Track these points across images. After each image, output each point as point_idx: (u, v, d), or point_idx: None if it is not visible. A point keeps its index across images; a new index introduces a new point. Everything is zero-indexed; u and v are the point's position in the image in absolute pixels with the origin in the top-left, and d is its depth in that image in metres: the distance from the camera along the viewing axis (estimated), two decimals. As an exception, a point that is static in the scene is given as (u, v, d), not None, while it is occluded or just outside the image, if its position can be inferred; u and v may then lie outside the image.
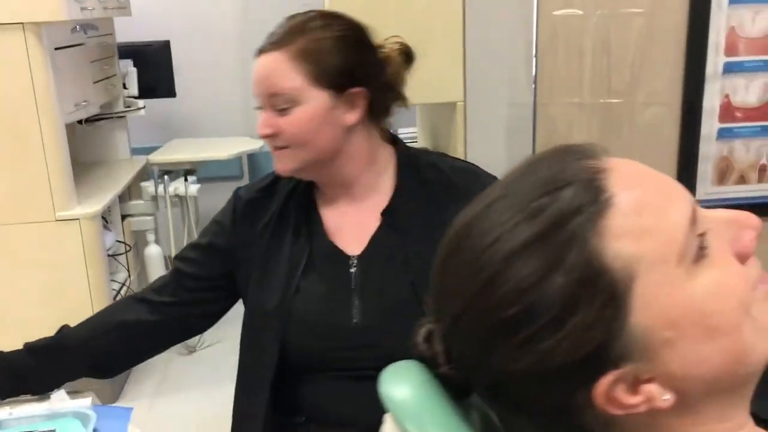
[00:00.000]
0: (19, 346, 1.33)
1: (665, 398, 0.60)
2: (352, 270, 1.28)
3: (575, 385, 0.60)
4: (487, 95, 1.75)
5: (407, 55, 1.29)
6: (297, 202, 1.32)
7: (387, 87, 1.28)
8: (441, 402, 0.66)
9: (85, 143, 3.51)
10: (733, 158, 1.71)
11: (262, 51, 1.23)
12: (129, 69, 3.52)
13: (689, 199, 0.62)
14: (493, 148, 1.70)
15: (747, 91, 1.66)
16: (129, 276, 3.24)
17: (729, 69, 1.66)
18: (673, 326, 0.58)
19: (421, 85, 1.43)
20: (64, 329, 1.36)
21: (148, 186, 3.28)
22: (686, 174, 1.68)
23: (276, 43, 1.22)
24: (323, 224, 1.31)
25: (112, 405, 1.37)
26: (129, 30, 3.59)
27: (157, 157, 3.48)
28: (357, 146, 1.27)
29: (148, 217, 3.30)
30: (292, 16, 1.26)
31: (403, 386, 0.66)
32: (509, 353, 0.60)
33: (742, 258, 0.62)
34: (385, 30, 1.28)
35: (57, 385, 1.36)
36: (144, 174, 3.44)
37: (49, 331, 1.35)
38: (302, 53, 1.20)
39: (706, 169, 1.69)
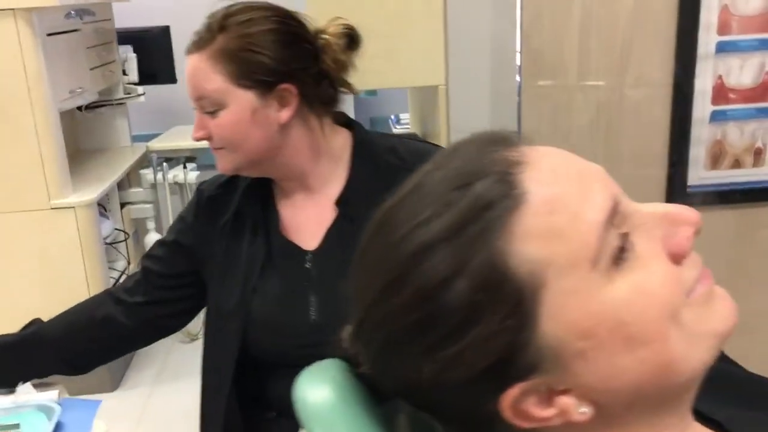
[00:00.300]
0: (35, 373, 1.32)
1: (582, 411, 0.55)
2: (308, 266, 1.24)
3: (481, 397, 0.55)
4: (470, 78, 1.69)
5: (351, 39, 1.22)
6: (255, 198, 1.28)
7: (323, 77, 1.21)
8: (359, 406, 0.62)
9: (85, 130, 3.51)
10: (726, 142, 1.64)
11: (187, 52, 1.18)
12: (129, 55, 3.50)
13: (611, 194, 0.55)
14: (477, 130, 1.65)
15: (741, 72, 1.59)
16: (128, 264, 3.23)
17: (722, 49, 1.59)
18: (587, 336, 0.53)
19: (402, 69, 1.38)
20: (36, 323, 1.34)
21: (148, 173, 3.26)
22: (677, 159, 1.62)
23: (197, 43, 1.17)
24: (281, 220, 1.27)
25: (80, 398, 1.35)
26: (128, 15, 3.56)
27: (156, 145, 3.47)
28: (297, 141, 1.21)
29: (148, 205, 3.29)
30: (214, 13, 1.19)
31: (319, 388, 0.62)
32: (412, 360, 0.55)
33: (677, 257, 0.56)
34: (364, 13, 1.24)
35: (25, 381, 1.34)
36: (144, 161, 3.42)
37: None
38: (222, 53, 1.15)
39: (698, 153, 1.63)
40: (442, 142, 1.71)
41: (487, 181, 0.54)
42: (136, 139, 3.60)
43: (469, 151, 0.58)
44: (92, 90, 3.08)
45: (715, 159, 1.64)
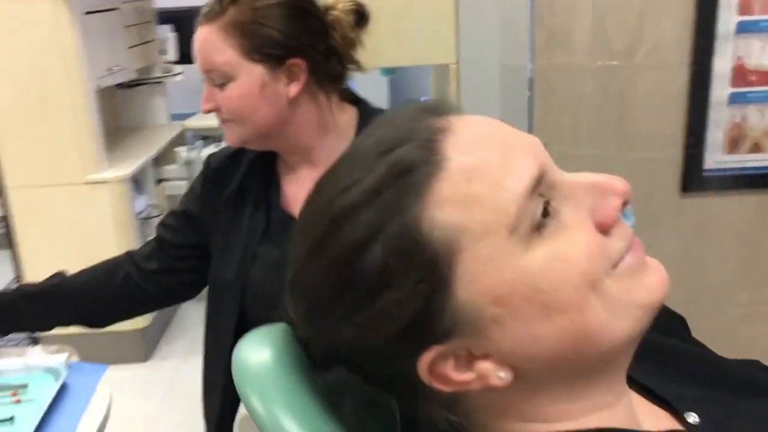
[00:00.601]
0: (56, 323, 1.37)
1: (500, 376, 0.55)
2: None
3: (400, 359, 0.56)
4: (481, 57, 1.67)
5: (360, 16, 1.22)
6: (259, 172, 1.30)
7: (332, 53, 1.22)
8: (298, 373, 0.63)
9: (124, 108, 3.59)
10: (746, 125, 1.59)
11: (197, 24, 1.19)
12: (168, 34, 3.56)
13: (538, 164, 0.55)
14: (487, 111, 1.63)
15: (763, 53, 1.53)
16: (163, 239, 3.31)
17: (743, 29, 1.53)
18: (502, 303, 0.53)
19: (413, 47, 1.37)
20: (59, 276, 1.39)
21: (183, 151, 3.32)
22: (694, 142, 1.57)
23: (208, 15, 1.18)
24: (283, 194, 1.29)
25: (89, 363, 1.40)
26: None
27: (192, 123, 3.53)
28: (305, 116, 1.22)
29: (182, 182, 3.35)
30: None
31: (258, 350, 0.63)
32: (333, 323, 0.56)
33: (604, 227, 0.56)
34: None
35: (46, 329, 1.40)
36: (180, 139, 3.49)
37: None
38: (233, 26, 1.16)
39: (716, 136, 1.58)
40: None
41: (408, 147, 0.55)
42: (174, 117, 3.67)
43: (399, 118, 0.59)
44: (130, 68, 3.15)
45: (734, 142, 1.59)
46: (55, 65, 2.63)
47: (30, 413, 1.21)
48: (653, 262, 0.59)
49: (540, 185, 0.54)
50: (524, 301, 0.53)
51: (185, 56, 3.60)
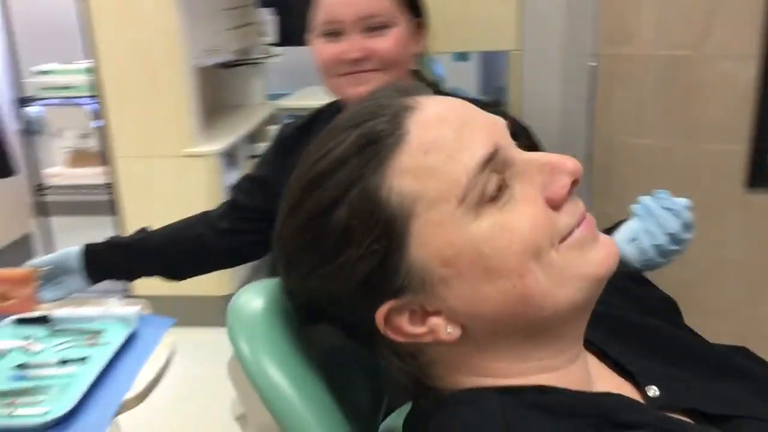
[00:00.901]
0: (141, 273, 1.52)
1: (449, 331, 0.61)
2: None
3: (361, 309, 0.63)
4: (545, 44, 1.68)
5: None
6: None
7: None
8: (287, 326, 0.70)
9: (225, 87, 3.78)
10: (816, 119, 1.54)
11: None
12: (268, 17, 3.71)
13: (493, 143, 0.61)
14: (548, 98, 1.66)
15: (838, 45, 1.48)
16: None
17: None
18: (449, 264, 0.59)
19: (476, 32, 1.42)
20: (144, 231, 1.53)
21: (274, 129, 3.46)
22: (763, 137, 1.53)
23: None
24: None
25: (158, 316, 1.53)
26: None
27: (284, 103, 3.68)
28: (405, 76, 1.32)
29: (273, 159, 3.50)
30: None
31: (253, 298, 0.71)
32: (305, 274, 0.64)
33: (553, 203, 0.61)
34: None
35: (131, 279, 1.57)
36: (273, 118, 3.64)
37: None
38: None
39: (784, 130, 1.54)
40: (514, 108, 1.72)
41: (375, 122, 0.62)
42: (271, 97, 3.82)
43: (375, 97, 0.66)
44: (227, 49, 3.32)
45: (803, 137, 1.54)
46: (159, 45, 2.81)
47: (101, 355, 1.34)
48: (605, 239, 0.64)
49: (493, 162, 0.60)
50: (469, 264, 0.59)
51: (284, 38, 3.77)
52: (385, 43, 1.25)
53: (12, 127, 3.06)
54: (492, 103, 1.56)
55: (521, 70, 1.66)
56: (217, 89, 3.70)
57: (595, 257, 0.62)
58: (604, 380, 0.69)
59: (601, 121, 1.63)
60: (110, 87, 2.86)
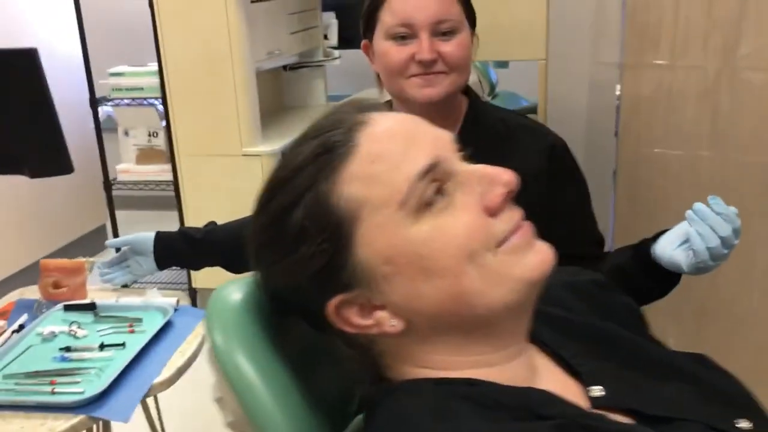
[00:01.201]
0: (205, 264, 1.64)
1: (392, 324, 0.68)
2: None
3: (314, 301, 0.70)
4: (572, 53, 1.70)
5: None
6: None
7: None
8: (264, 321, 0.77)
9: (288, 88, 3.90)
10: None
11: None
12: (331, 21, 3.81)
13: (435, 155, 0.68)
14: (574, 107, 1.68)
15: None
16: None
17: None
18: (391, 263, 0.66)
19: (504, 42, 1.47)
20: (212, 224, 1.64)
21: (333, 130, 3.56)
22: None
23: None
24: None
25: (193, 307, 1.64)
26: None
27: (342, 104, 3.77)
28: (466, 80, 1.40)
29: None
30: None
31: (235, 290, 0.78)
32: (267, 268, 0.72)
33: (490, 211, 0.67)
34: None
35: (196, 268, 1.71)
36: (333, 119, 3.74)
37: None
38: None
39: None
40: (541, 116, 1.74)
41: (332, 133, 0.70)
42: (331, 98, 3.92)
43: (336, 112, 0.73)
44: (290, 52, 3.43)
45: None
46: (222, 49, 2.95)
47: (138, 341, 1.45)
48: (540, 246, 0.69)
49: (433, 172, 0.67)
50: (408, 263, 0.66)
51: (345, 41, 3.86)
52: (453, 46, 1.33)
53: (86, 126, 3.26)
54: (497, 107, 1.60)
55: (546, 78, 1.69)
56: (279, 90, 3.83)
57: (529, 262, 0.68)
58: (550, 379, 0.73)
59: (625, 129, 1.64)
60: (175, 88, 3.02)
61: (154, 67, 3.08)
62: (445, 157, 0.69)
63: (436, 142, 0.70)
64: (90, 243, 3.80)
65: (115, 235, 3.29)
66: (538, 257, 0.69)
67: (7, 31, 3.30)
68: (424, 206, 0.66)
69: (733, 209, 1.11)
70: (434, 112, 1.40)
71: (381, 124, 0.70)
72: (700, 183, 1.61)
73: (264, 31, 3.14)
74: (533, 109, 1.98)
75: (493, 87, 3.02)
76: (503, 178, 0.68)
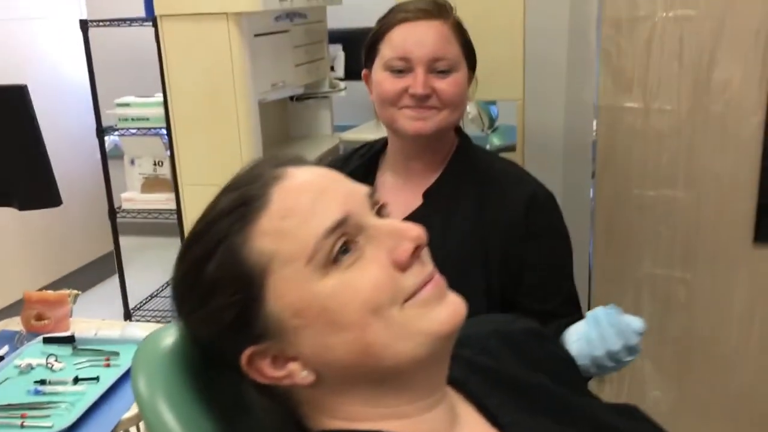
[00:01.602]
0: None
1: (304, 375, 0.69)
2: None
3: (228, 352, 0.71)
4: (547, 93, 1.71)
5: None
6: (359, 175, 1.47)
7: None
8: (194, 366, 0.78)
9: (294, 119, 3.94)
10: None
11: (423, 16, 1.38)
12: (338, 53, 3.86)
13: (344, 210, 0.69)
14: (551, 146, 1.69)
15: None
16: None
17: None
18: (300, 316, 0.67)
19: (484, 83, 1.49)
20: None
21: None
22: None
23: (434, 13, 1.38)
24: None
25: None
26: (342, 16, 3.92)
27: (347, 136, 3.80)
28: (460, 117, 1.43)
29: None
30: None
31: (165, 338, 0.80)
32: (184, 318, 0.74)
33: (399, 265, 0.68)
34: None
35: None
36: (336, 150, 3.77)
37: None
38: (457, 28, 1.38)
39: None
40: (518, 154, 1.75)
41: (249, 187, 0.72)
42: (337, 129, 3.96)
43: (255, 165, 0.75)
44: (295, 84, 3.47)
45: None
46: (225, 81, 2.99)
47: (111, 375, 1.47)
48: (452, 300, 0.70)
49: (342, 227, 0.68)
50: (317, 317, 0.67)
51: (352, 73, 3.90)
52: (447, 84, 1.35)
53: (95, 154, 3.32)
54: (486, 151, 1.61)
55: (524, 118, 1.70)
56: (286, 121, 3.87)
57: (437, 316, 0.68)
58: (472, 429, 0.74)
59: (602, 169, 1.64)
60: (179, 119, 3.07)
61: (160, 98, 3.14)
62: (355, 212, 0.70)
63: (349, 196, 0.71)
64: (97, 270, 3.85)
65: (120, 261, 3.34)
66: (447, 311, 0.69)
67: (19, 60, 3.39)
68: (332, 261, 0.67)
69: (634, 325, 1.04)
70: (424, 146, 1.41)
71: (295, 178, 0.72)
72: (677, 224, 1.61)
73: (268, 64, 3.19)
74: (512, 147, 2.00)
75: (492, 121, 3.04)
76: (412, 233, 0.69)
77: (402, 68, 1.36)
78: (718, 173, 1.55)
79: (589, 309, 1.19)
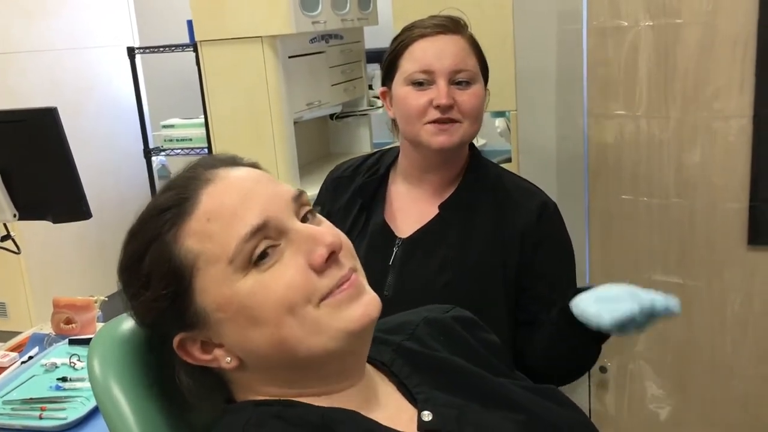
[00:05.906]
0: None
1: (227, 360, 0.78)
2: (395, 249, 1.47)
3: (164, 336, 0.80)
4: (538, 104, 1.75)
5: None
6: (370, 187, 1.54)
7: None
8: (146, 354, 0.88)
9: (335, 137, 4.06)
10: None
11: (442, 30, 1.45)
12: (376, 72, 3.96)
13: (266, 215, 0.77)
14: (544, 156, 1.73)
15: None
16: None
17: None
18: (222, 310, 0.76)
19: None
20: None
21: (373, 176, 3.68)
22: (759, 194, 1.50)
23: (451, 28, 1.46)
24: (388, 206, 1.51)
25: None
26: (380, 36, 4.03)
27: (381, 152, 3.90)
28: (477, 130, 1.49)
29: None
30: (440, 15, 1.49)
31: (121, 322, 0.89)
32: (127, 305, 0.83)
33: (314, 268, 0.76)
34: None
35: None
36: (375, 166, 3.87)
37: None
38: (473, 43, 1.46)
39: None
40: (513, 164, 1.79)
41: (180, 189, 0.80)
42: (376, 146, 4.05)
43: (191, 168, 0.84)
44: (332, 102, 3.59)
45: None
46: (261, 101, 3.13)
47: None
48: (367, 300, 0.77)
49: (263, 231, 0.76)
50: (237, 312, 0.76)
51: (388, 91, 3.99)
52: (468, 96, 1.42)
53: (143, 174, 3.51)
54: (497, 164, 1.66)
55: (517, 128, 1.74)
56: (326, 138, 4.00)
57: (350, 315, 0.76)
58: (389, 405, 0.81)
59: (594, 177, 1.67)
60: (219, 139, 3.22)
61: (203, 119, 3.30)
62: (276, 216, 0.78)
63: (272, 200, 0.79)
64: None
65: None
66: (359, 310, 0.77)
67: (80, 86, 3.62)
68: (252, 263, 0.75)
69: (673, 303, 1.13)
70: (443, 159, 1.48)
71: (223, 181, 0.80)
72: (671, 229, 1.62)
73: (303, 84, 3.31)
74: (507, 159, 2.03)
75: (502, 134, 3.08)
76: (327, 239, 0.77)
77: (423, 80, 1.42)
78: (709, 177, 1.56)
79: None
